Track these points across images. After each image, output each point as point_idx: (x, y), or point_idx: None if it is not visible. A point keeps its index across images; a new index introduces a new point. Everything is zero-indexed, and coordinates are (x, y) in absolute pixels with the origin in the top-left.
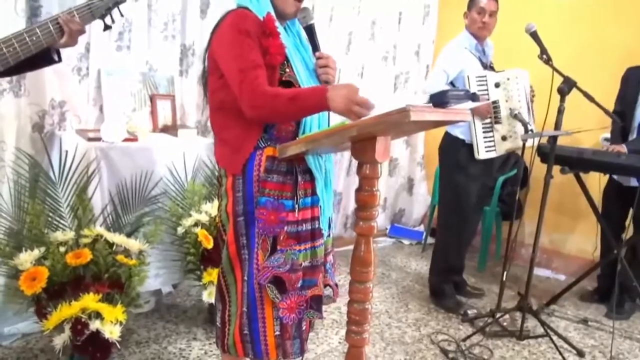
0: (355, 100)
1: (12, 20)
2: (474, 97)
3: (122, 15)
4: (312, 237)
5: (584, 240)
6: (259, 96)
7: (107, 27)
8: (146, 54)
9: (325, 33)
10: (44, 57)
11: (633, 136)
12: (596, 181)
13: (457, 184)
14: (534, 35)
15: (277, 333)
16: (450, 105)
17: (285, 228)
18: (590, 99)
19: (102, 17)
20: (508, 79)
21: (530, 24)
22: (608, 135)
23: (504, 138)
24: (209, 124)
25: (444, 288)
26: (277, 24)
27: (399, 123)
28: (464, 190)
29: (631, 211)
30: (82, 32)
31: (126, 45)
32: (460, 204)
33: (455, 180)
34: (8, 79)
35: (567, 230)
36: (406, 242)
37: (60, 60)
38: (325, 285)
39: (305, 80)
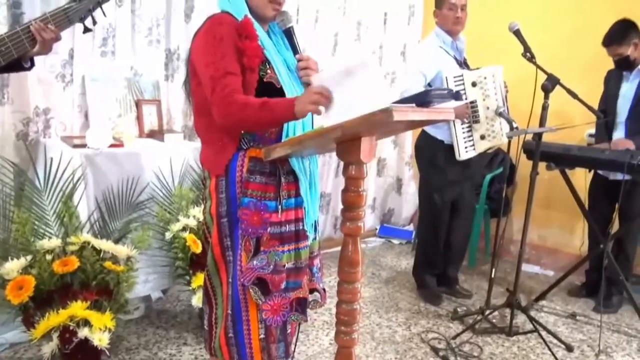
0: (315, 93)
1: None
2: (457, 96)
3: (105, 16)
4: (296, 238)
5: (571, 236)
6: (228, 105)
7: (87, 30)
8: (131, 59)
9: (311, 35)
10: (15, 64)
11: (617, 131)
12: (582, 177)
13: (431, 182)
14: (517, 34)
15: (262, 336)
16: (434, 104)
17: (269, 229)
18: (574, 95)
19: (82, 20)
20: (485, 78)
21: (513, 23)
22: (593, 131)
23: (482, 137)
24: None
25: (425, 279)
26: (256, 26)
27: (383, 123)
28: (438, 188)
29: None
30: (57, 39)
31: (110, 51)
32: (434, 202)
33: (430, 179)
34: None
35: (555, 226)
36: (396, 241)
37: (33, 65)
38: (313, 290)
39: (287, 82)
